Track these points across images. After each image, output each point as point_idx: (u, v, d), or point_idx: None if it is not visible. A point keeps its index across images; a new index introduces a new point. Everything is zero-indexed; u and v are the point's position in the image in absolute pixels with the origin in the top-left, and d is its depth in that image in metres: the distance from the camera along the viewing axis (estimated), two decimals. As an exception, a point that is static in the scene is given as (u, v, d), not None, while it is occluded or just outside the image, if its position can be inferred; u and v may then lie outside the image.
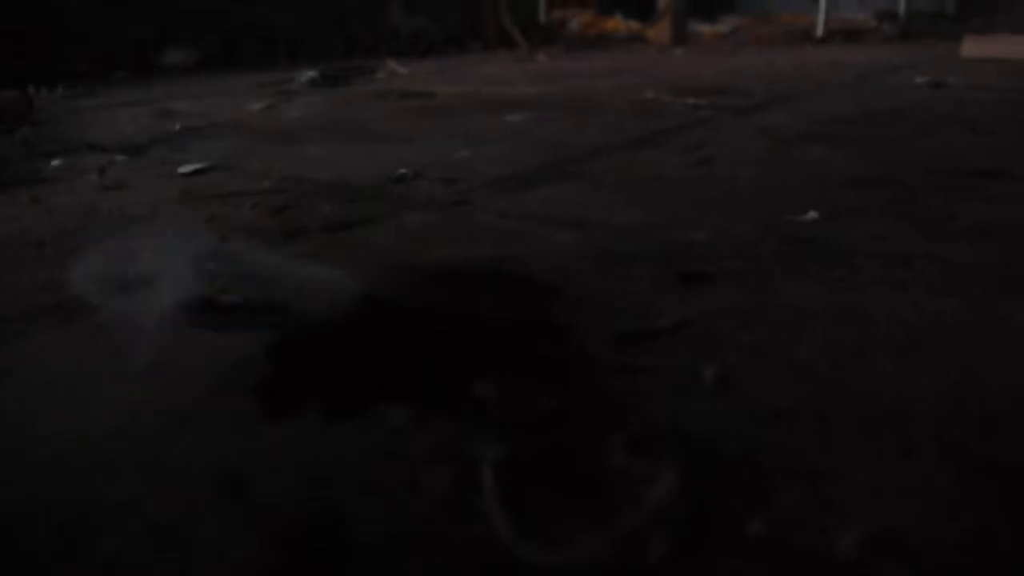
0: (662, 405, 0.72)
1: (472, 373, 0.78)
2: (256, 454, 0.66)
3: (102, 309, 0.98)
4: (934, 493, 0.58)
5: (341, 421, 0.70)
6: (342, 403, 0.73)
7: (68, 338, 0.91)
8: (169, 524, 0.57)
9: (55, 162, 1.94)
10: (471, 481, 0.61)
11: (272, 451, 0.66)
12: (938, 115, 2.44)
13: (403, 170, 1.73)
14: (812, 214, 1.30)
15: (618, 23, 7.20)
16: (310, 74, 3.89)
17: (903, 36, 6.87)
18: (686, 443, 0.66)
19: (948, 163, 1.71)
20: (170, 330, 0.91)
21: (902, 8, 7.99)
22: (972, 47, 4.75)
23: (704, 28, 7.37)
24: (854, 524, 0.55)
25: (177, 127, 2.48)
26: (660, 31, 6.86)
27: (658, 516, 0.56)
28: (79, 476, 0.63)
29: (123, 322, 0.94)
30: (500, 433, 0.67)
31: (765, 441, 0.66)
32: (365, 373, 0.79)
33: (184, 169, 1.81)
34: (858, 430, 0.67)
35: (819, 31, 6.74)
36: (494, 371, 0.78)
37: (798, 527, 0.55)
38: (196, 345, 0.87)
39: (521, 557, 0.53)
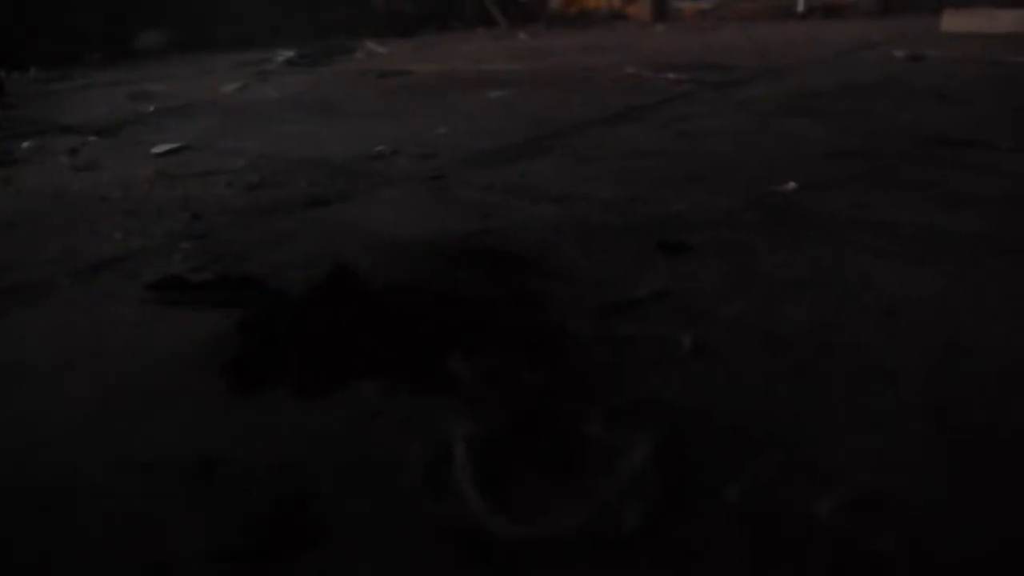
0: (641, 376, 0.71)
1: (449, 347, 0.77)
2: (228, 433, 0.64)
3: (73, 289, 0.96)
4: (914, 456, 0.58)
5: (314, 398, 0.69)
6: (315, 380, 0.72)
7: (40, 318, 0.89)
8: (140, 504, 0.56)
9: (26, 144, 1.91)
10: (446, 456, 0.60)
11: (245, 429, 0.65)
12: (917, 88, 2.43)
13: (381, 147, 1.71)
14: (792, 185, 1.30)
15: (599, 0, 7.15)
16: (288, 54, 3.84)
17: (884, 10, 6.86)
18: (665, 413, 0.65)
19: (926, 134, 1.71)
20: (141, 309, 0.89)
21: (883, -17, 7.97)
22: (952, 21, 4.74)
23: (685, 4, 7.33)
24: (832, 488, 0.54)
25: (151, 108, 2.44)
26: (641, 8, 6.82)
27: (633, 487, 0.55)
28: (50, 457, 0.62)
29: (95, 301, 0.92)
30: (476, 407, 0.66)
31: (744, 409, 0.65)
32: (339, 349, 0.78)
33: (158, 149, 1.78)
34: (837, 397, 0.67)
35: (800, 6, 6.71)
36: (472, 345, 0.77)
37: (776, 492, 0.54)
38: (169, 323, 0.85)
39: (491, 531, 0.52)
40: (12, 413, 0.69)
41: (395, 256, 1.04)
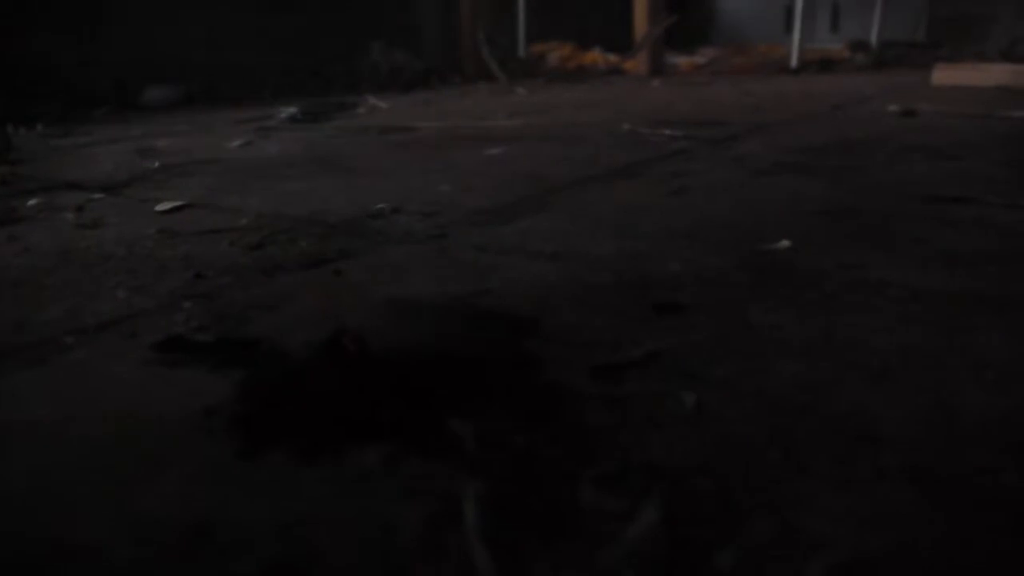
0: (635, 438, 0.72)
1: (447, 410, 0.78)
2: (226, 497, 0.65)
3: (76, 350, 0.97)
4: (903, 519, 0.59)
5: (313, 462, 0.70)
6: (314, 444, 0.73)
7: (40, 379, 0.90)
8: (137, 568, 0.56)
9: (32, 201, 1.94)
10: (444, 520, 0.61)
11: (242, 494, 0.66)
12: (909, 143, 2.48)
13: (381, 205, 1.74)
14: (784, 243, 1.32)
15: (597, 56, 7.29)
16: (290, 110, 3.90)
17: (876, 65, 6.99)
18: (658, 477, 0.66)
19: (918, 190, 1.74)
20: (143, 370, 0.90)
21: (875, 37, 8.14)
22: (943, 75, 4.84)
23: (681, 59, 7.47)
24: (821, 554, 0.55)
25: (156, 164, 2.48)
26: (638, 63, 6.95)
27: (631, 554, 0.56)
28: (45, 519, 0.63)
29: (98, 361, 0.94)
30: (474, 471, 0.67)
31: (735, 472, 0.66)
32: (338, 412, 0.79)
33: (162, 207, 1.81)
34: (828, 458, 0.68)
35: (793, 61, 6.85)
36: (469, 408, 0.79)
37: (767, 558, 0.55)
38: (168, 385, 0.86)
39: (492, 595, 0.52)
40: (9, 473, 0.70)
41: (395, 317, 1.05)
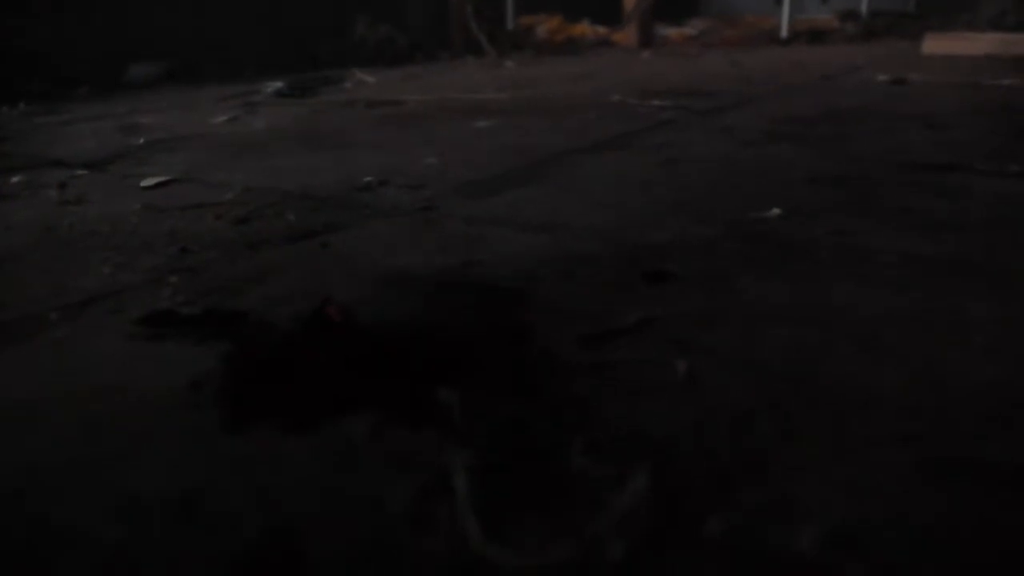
0: (623, 406, 0.72)
1: (435, 381, 0.77)
2: (212, 471, 0.65)
3: (61, 325, 0.96)
4: (894, 487, 0.59)
5: (300, 434, 0.69)
6: (301, 416, 0.72)
7: (24, 355, 0.89)
8: (122, 547, 0.56)
9: (15, 178, 1.91)
10: (432, 491, 0.60)
11: (228, 467, 0.65)
12: (898, 112, 2.47)
13: (369, 178, 1.72)
14: (775, 211, 1.31)
15: (585, 28, 7.22)
16: (276, 85, 3.86)
17: (866, 35, 6.96)
18: (648, 445, 0.65)
19: (907, 158, 1.73)
20: (128, 344, 0.90)
21: (865, 7, 8.09)
22: (933, 44, 4.82)
23: (671, 31, 7.42)
24: (813, 521, 0.55)
25: (140, 141, 2.45)
26: (627, 35, 6.89)
27: (620, 521, 0.56)
28: (29, 500, 0.62)
29: (83, 337, 0.93)
30: (462, 441, 0.67)
31: (726, 440, 0.66)
32: (325, 384, 0.78)
33: (146, 182, 1.79)
34: (818, 426, 0.67)
35: (784, 32, 6.81)
36: (457, 378, 0.78)
37: (758, 525, 0.55)
38: (154, 359, 0.86)
39: (493, 560, 0.52)
40: (-2, 452, 0.69)
41: (382, 289, 1.04)
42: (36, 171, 2.01)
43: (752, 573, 0.51)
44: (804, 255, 1.11)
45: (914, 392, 0.72)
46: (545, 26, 7.18)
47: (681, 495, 0.58)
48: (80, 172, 1.97)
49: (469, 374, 0.79)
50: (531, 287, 1.02)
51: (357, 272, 1.11)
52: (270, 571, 0.53)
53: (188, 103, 3.50)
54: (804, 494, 0.58)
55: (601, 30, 7.13)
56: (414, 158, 1.97)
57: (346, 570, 0.53)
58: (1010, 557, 0.51)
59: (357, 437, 0.68)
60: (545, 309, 0.95)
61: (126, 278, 1.13)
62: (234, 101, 3.50)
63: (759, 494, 0.58)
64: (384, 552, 0.54)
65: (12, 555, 0.56)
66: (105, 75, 4.42)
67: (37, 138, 2.65)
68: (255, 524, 0.57)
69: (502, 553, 0.53)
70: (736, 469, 0.61)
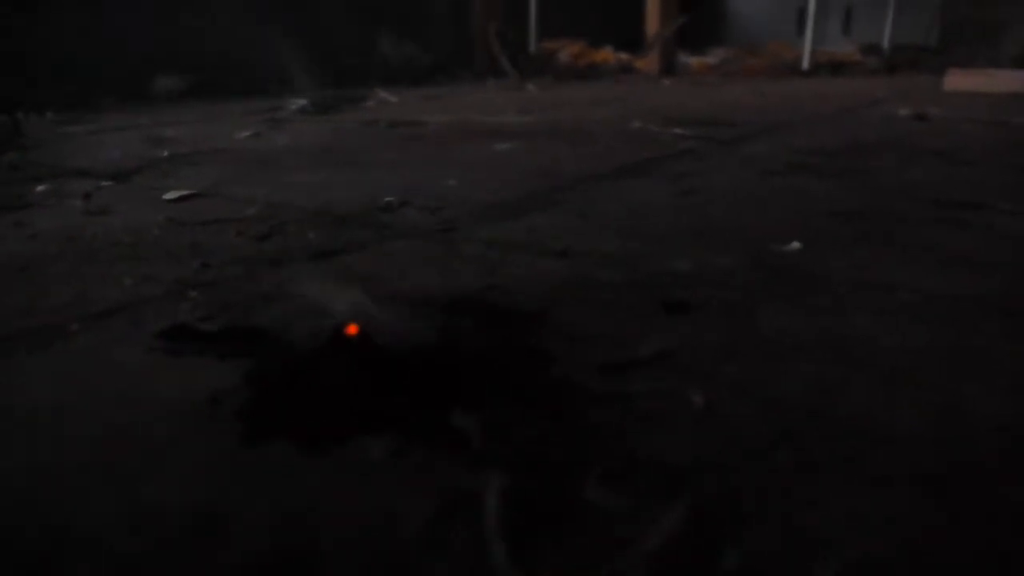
0: (641, 436, 0.71)
1: (453, 405, 0.77)
2: (231, 487, 0.65)
3: (81, 336, 0.97)
4: (912, 524, 0.58)
5: (320, 453, 0.69)
6: (320, 434, 0.72)
7: (44, 364, 0.90)
8: (141, 560, 0.56)
9: (40, 187, 1.94)
10: (448, 514, 0.60)
11: (248, 484, 0.65)
12: (920, 147, 2.47)
13: (390, 198, 1.73)
14: (795, 244, 1.31)
15: (608, 54, 7.27)
16: (299, 102, 3.91)
17: (888, 69, 6.96)
18: (665, 476, 0.65)
19: (929, 194, 1.73)
20: (148, 357, 0.90)
21: (887, 41, 8.11)
22: (955, 80, 4.82)
23: (693, 59, 7.45)
24: (830, 557, 0.54)
25: (165, 153, 2.47)
26: (649, 62, 6.94)
27: (637, 552, 0.55)
28: (46, 510, 0.62)
29: (103, 348, 0.93)
30: (480, 466, 0.67)
31: (743, 473, 0.65)
32: (345, 403, 0.79)
33: (170, 195, 1.81)
34: (837, 461, 0.67)
35: (805, 63, 6.83)
36: (476, 403, 0.78)
37: (774, 560, 0.54)
38: (173, 373, 0.86)
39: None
40: (13, 457, 0.70)
41: (401, 311, 1.05)
42: (61, 180, 2.03)
43: (769, 612, 0.50)
44: (824, 289, 1.10)
45: (934, 429, 0.72)
46: (568, 51, 7.23)
47: (699, 527, 0.58)
48: (105, 183, 1.99)
49: (488, 398, 0.79)
50: (551, 313, 1.02)
51: (376, 293, 1.12)
52: (284, 591, 0.53)
53: (212, 117, 3.54)
54: (822, 528, 0.57)
55: (624, 57, 7.17)
56: (435, 179, 1.98)
57: (360, 592, 0.52)
58: (1032, 605, 0.51)
59: (375, 457, 0.68)
60: (564, 335, 0.95)
61: (147, 290, 1.13)
62: (258, 117, 3.53)
63: (776, 527, 0.58)
64: (399, 573, 0.54)
65: (28, 563, 0.56)
66: (131, 86, 4.48)
67: (63, 147, 2.68)
68: (270, 539, 0.57)
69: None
70: (754, 501, 0.61)
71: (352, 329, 0.93)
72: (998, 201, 1.64)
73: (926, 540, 0.56)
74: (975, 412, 0.75)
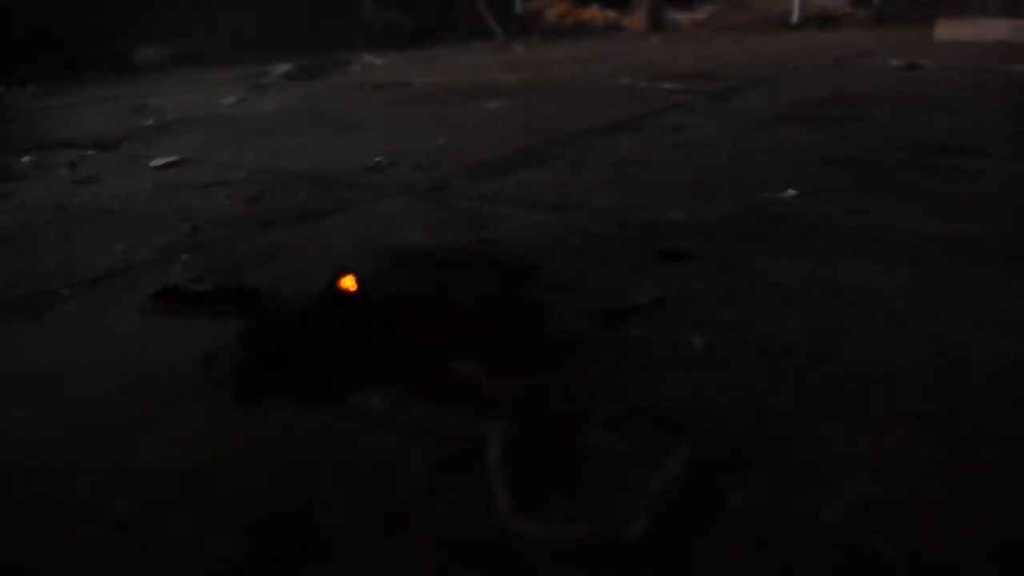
0: (641, 383, 0.71)
1: (450, 357, 0.77)
2: (229, 443, 0.64)
3: (73, 301, 0.96)
4: (916, 464, 0.58)
5: (316, 408, 0.69)
6: (318, 389, 0.72)
7: (37, 330, 0.89)
8: (136, 522, 0.55)
9: (26, 158, 1.91)
10: (447, 463, 0.60)
11: (244, 441, 0.65)
12: (911, 96, 2.45)
13: (378, 158, 1.71)
14: (790, 192, 1.30)
15: (595, 12, 7.17)
16: (284, 68, 3.85)
17: (878, 21, 6.89)
18: (668, 420, 0.65)
19: (921, 141, 1.72)
20: (141, 320, 0.89)
21: (876, -7, 8.02)
22: (945, 30, 4.78)
23: (681, 15, 7.36)
24: (834, 496, 0.54)
25: (150, 122, 2.44)
26: (637, 19, 6.85)
27: (641, 494, 0.55)
28: (41, 476, 0.62)
29: (95, 313, 0.92)
30: (482, 415, 0.66)
31: (745, 417, 0.65)
32: (340, 358, 0.78)
33: (157, 162, 1.78)
34: (838, 403, 0.67)
35: (794, 17, 6.75)
36: (474, 354, 0.78)
37: (780, 501, 0.54)
38: (166, 334, 0.85)
39: (521, 533, 0.52)
40: (7, 424, 0.69)
41: (394, 267, 1.04)
42: (46, 151, 2.00)
43: (777, 546, 0.50)
44: (819, 235, 1.10)
45: (934, 370, 0.72)
46: (554, 10, 7.14)
47: (703, 469, 0.58)
48: (90, 152, 1.97)
49: (487, 349, 0.79)
50: (545, 265, 1.02)
51: (368, 250, 1.11)
52: (284, 542, 0.53)
53: (196, 85, 3.49)
54: (826, 470, 0.57)
55: (611, 15, 7.09)
56: (424, 139, 1.96)
57: (361, 540, 0.52)
58: (1035, 532, 0.51)
59: (375, 409, 0.68)
60: (559, 287, 0.94)
61: (138, 255, 1.12)
62: (242, 83, 3.48)
63: (780, 468, 0.58)
64: (399, 522, 0.54)
65: (22, 528, 0.56)
66: (114, 57, 4.41)
67: (46, 119, 2.64)
68: (269, 495, 0.57)
69: (531, 527, 0.52)
70: (757, 444, 0.61)
71: (346, 286, 0.92)
72: (988, 146, 1.63)
73: (931, 482, 0.56)
74: (972, 354, 0.75)
